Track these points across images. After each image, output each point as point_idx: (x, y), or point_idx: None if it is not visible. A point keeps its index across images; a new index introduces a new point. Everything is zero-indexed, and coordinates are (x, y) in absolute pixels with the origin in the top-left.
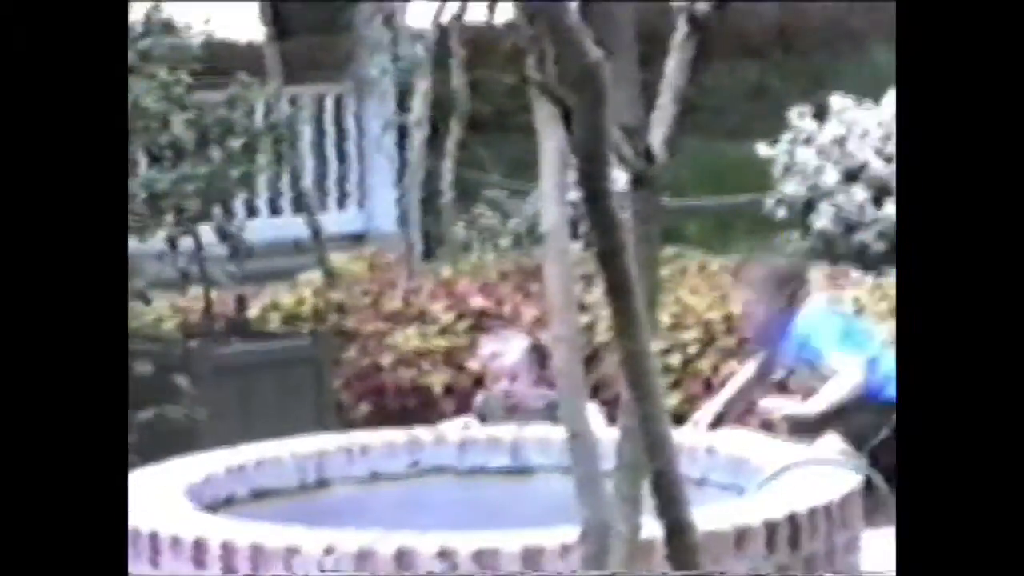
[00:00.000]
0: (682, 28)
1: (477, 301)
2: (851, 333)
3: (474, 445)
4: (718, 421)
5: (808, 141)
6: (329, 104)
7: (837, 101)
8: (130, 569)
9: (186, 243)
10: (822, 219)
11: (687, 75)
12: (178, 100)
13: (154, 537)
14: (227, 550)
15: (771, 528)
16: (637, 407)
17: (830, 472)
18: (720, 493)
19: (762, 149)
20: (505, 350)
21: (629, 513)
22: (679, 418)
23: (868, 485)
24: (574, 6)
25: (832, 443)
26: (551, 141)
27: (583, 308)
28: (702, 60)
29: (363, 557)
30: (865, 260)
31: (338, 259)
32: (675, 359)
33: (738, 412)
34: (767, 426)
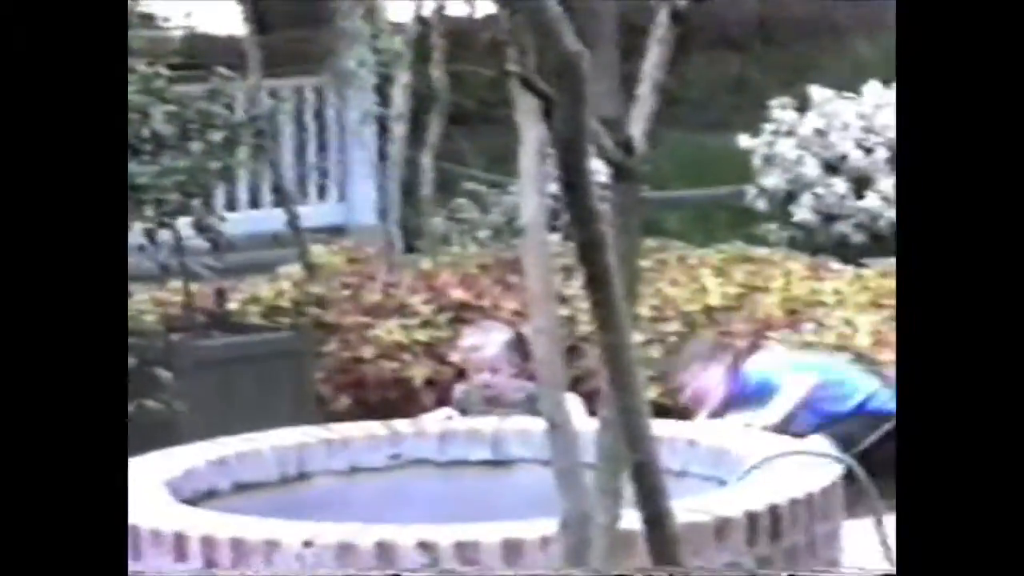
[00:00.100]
0: (662, 21)
1: (457, 294)
2: (805, 364)
3: (454, 437)
4: None
5: (789, 133)
6: (309, 97)
7: (818, 93)
8: None
9: (165, 236)
10: (802, 210)
11: (667, 68)
12: (158, 93)
13: (135, 530)
14: (208, 543)
15: (752, 519)
16: (617, 399)
17: (811, 463)
18: (701, 484)
19: (743, 141)
20: (485, 342)
21: (609, 505)
22: (660, 410)
23: (849, 476)
24: None
25: (818, 444)
26: (531, 133)
27: (563, 300)
28: (682, 53)
29: (343, 550)
30: (845, 251)
31: (318, 252)
32: (656, 351)
33: None
34: None
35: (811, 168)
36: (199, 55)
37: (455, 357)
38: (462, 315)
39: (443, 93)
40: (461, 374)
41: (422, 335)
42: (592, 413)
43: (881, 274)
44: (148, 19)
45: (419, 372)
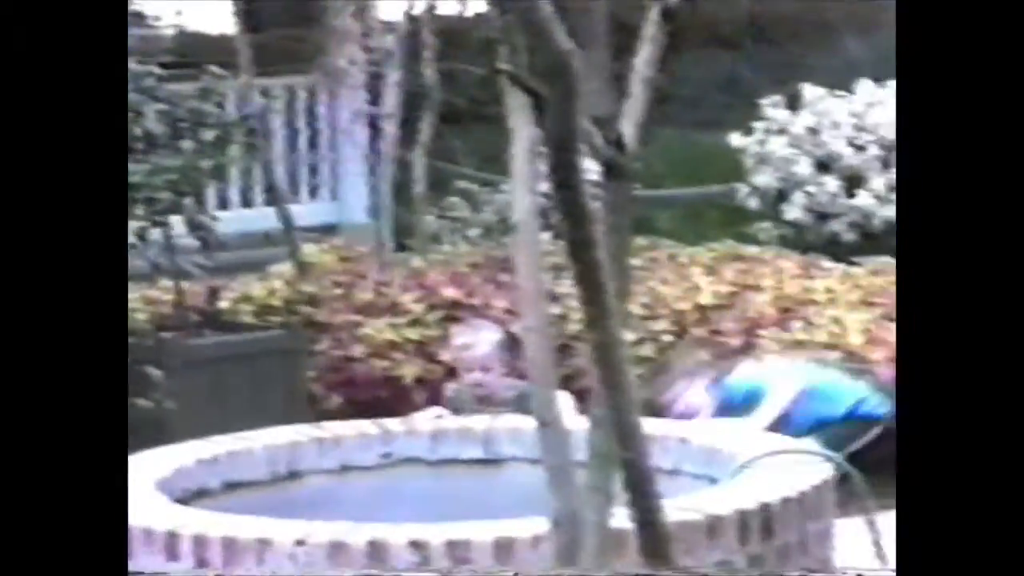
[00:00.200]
0: (653, 20)
1: (448, 292)
2: (792, 371)
3: (446, 436)
4: None
5: (780, 131)
6: (301, 96)
7: (810, 91)
8: None
9: (156, 235)
10: (794, 209)
11: (658, 66)
12: (149, 92)
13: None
14: (199, 542)
15: (744, 518)
16: (608, 397)
17: (802, 462)
18: (693, 483)
19: (735, 139)
20: (476, 341)
21: (600, 503)
22: (651, 408)
23: (841, 477)
24: None
25: (809, 443)
26: (523, 132)
27: (555, 299)
28: (674, 51)
29: (335, 548)
30: (837, 250)
31: (309, 251)
32: (648, 349)
33: None
34: None
35: (803, 166)
36: (190, 54)
37: (446, 356)
38: (453, 314)
39: (435, 92)
40: (452, 373)
41: (413, 334)
42: (583, 411)
43: (872, 272)
44: (139, 17)
45: (410, 371)
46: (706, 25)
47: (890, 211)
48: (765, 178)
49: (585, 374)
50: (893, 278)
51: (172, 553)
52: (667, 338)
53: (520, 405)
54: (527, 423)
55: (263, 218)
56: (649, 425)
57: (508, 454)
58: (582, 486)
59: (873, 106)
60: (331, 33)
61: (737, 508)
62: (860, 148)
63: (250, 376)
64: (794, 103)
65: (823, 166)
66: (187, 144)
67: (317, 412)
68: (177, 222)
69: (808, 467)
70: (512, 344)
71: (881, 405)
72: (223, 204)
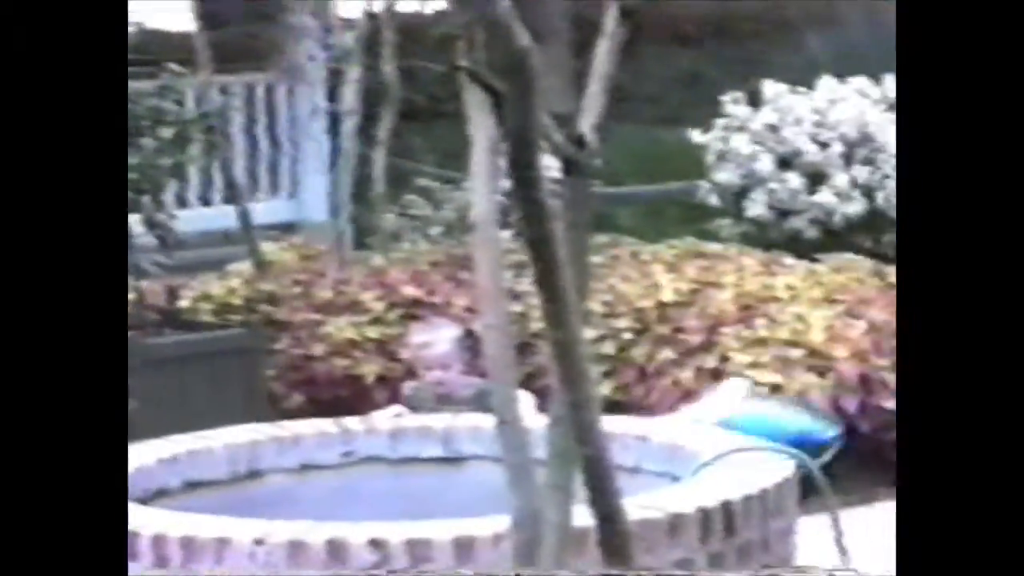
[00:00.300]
0: (612, 16)
1: (409, 290)
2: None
3: (406, 435)
4: None
5: (741, 128)
6: (260, 93)
7: (771, 88)
8: None
9: None
10: (755, 206)
11: (618, 63)
12: None
13: None
14: (158, 541)
15: (705, 516)
16: (567, 395)
17: (765, 459)
18: (654, 481)
19: (695, 136)
20: (434, 339)
21: (560, 501)
22: (614, 406)
23: (802, 474)
24: None
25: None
26: (482, 129)
27: (516, 297)
28: (634, 48)
29: (295, 548)
30: (799, 246)
31: (269, 249)
32: (609, 347)
33: None
34: None
35: (764, 163)
36: (149, 51)
37: (405, 354)
38: (414, 312)
39: (394, 89)
40: (413, 371)
41: (374, 332)
42: (544, 409)
43: (834, 269)
44: None
45: (371, 369)
46: (668, 22)
47: (851, 207)
48: (726, 175)
49: (546, 372)
50: (855, 275)
51: (132, 552)
52: (628, 335)
53: (479, 403)
54: (487, 421)
55: (222, 216)
56: (610, 423)
57: (469, 452)
58: (542, 484)
59: (835, 103)
60: (290, 30)
61: (699, 506)
62: (822, 145)
63: (210, 375)
64: (755, 100)
65: (784, 163)
66: (146, 142)
67: (277, 411)
68: (136, 221)
69: (770, 465)
70: (471, 342)
71: (825, 431)
72: (182, 202)
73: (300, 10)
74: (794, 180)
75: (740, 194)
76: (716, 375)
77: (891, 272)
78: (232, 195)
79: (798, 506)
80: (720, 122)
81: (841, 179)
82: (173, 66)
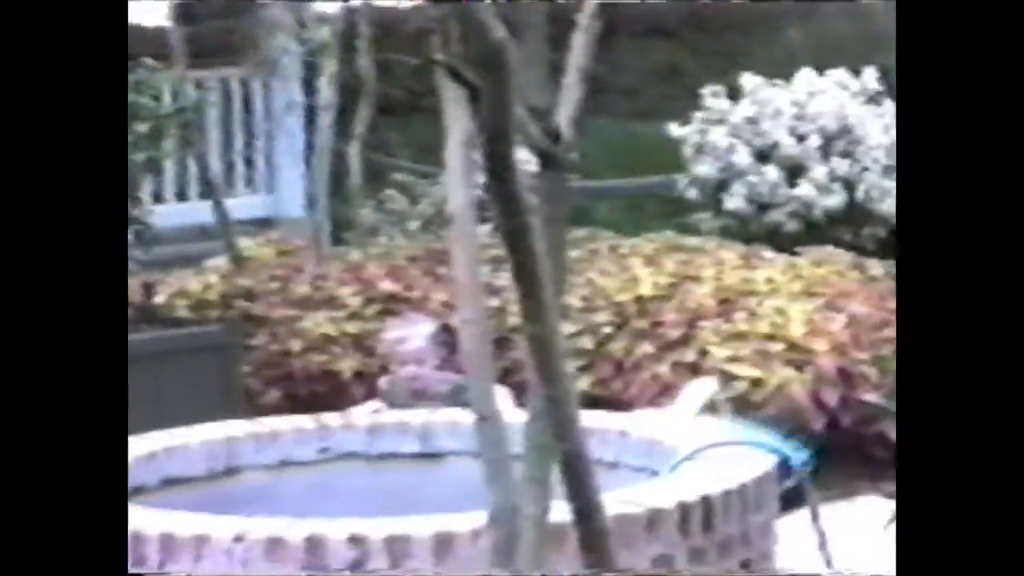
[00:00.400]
0: (588, 7)
1: (386, 285)
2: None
3: (384, 431)
4: None
5: (720, 121)
6: (235, 88)
7: (749, 81)
8: None
9: None
10: (735, 199)
11: (594, 55)
12: None
13: None
14: (136, 539)
15: (684, 510)
16: (544, 389)
17: (744, 454)
18: (633, 475)
19: (674, 129)
20: (410, 335)
21: (538, 496)
22: (593, 400)
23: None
24: None
25: (751, 438)
26: (458, 122)
27: (493, 291)
28: (610, 40)
29: (273, 544)
30: (778, 240)
31: (246, 245)
32: (587, 341)
33: None
34: None
35: (743, 156)
36: None
37: (380, 349)
38: (391, 307)
39: (370, 83)
40: (389, 367)
41: (351, 327)
42: (522, 404)
43: (814, 263)
44: None
45: (348, 365)
46: (646, 14)
47: (831, 200)
48: (705, 168)
49: (524, 367)
50: (835, 268)
51: None
52: (607, 330)
53: (455, 398)
54: (466, 417)
55: (198, 212)
56: (589, 418)
57: (447, 448)
58: (520, 480)
59: (814, 95)
60: (265, 24)
61: (678, 501)
62: (801, 137)
63: (187, 371)
64: (734, 93)
65: (763, 156)
66: None
67: (254, 407)
68: None
69: (750, 459)
70: (447, 337)
71: (795, 453)
72: (158, 198)
73: (276, 4)
74: (773, 173)
75: (719, 187)
76: (695, 369)
77: (871, 265)
78: (208, 190)
79: (778, 500)
80: (698, 115)
81: (820, 172)
82: (148, 61)
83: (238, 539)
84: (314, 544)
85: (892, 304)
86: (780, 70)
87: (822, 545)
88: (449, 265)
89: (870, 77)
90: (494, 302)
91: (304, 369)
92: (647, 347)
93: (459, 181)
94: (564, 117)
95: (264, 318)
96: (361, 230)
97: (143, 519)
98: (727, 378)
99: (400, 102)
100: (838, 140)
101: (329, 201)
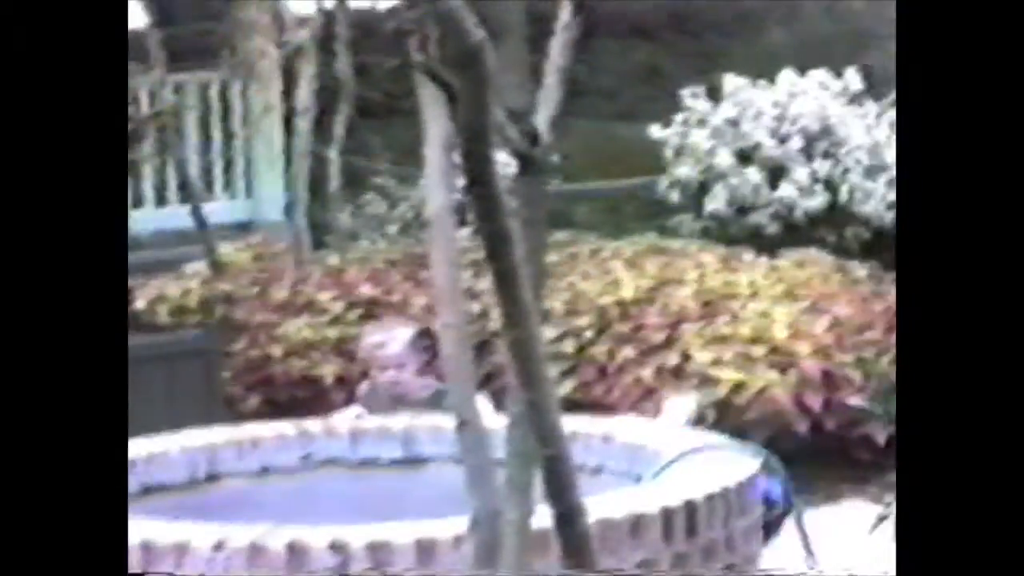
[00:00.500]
0: (566, 8)
1: (366, 290)
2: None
3: (365, 436)
4: None
5: (701, 122)
6: (214, 92)
7: (730, 82)
8: None
9: None
10: (716, 201)
11: (573, 56)
12: None
13: None
14: None
15: (668, 515)
16: (525, 394)
17: (727, 458)
18: (616, 480)
19: (654, 131)
20: (388, 339)
21: (520, 502)
22: (575, 405)
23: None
24: None
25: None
26: (437, 125)
27: (474, 295)
28: (589, 41)
29: (254, 551)
30: (760, 242)
31: (225, 249)
32: (569, 345)
33: None
34: None
35: (724, 158)
36: None
37: (359, 354)
38: (372, 311)
39: (349, 85)
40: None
41: (331, 332)
42: (503, 409)
43: (796, 265)
44: None
45: (329, 370)
46: (626, 15)
47: (813, 201)
48: (686, 170)
49: (505, 371)
50: (817, 270)
51: None
52: (588, 334)
53: (434, 403)
54: (447, 422)
55: (177, 216)
56: (572, 422)
57: (429, 454)
58: (502, 485)
59: (795, 96)
60: (242, 27)
61: (662, 506)
62: (782, 139)
63: (166, 377)
64: (715, 94)
65: (745, 157)
66: None
67: (235, 413)
68: None
69: (733, 464)
70: (427, 342)
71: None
72: (137, 202)
73: (253, 7)
74: (754, 175)
75: (700, 190)
76: (677, 373)
77: (854, 267)
78: (187, 195)
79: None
80: (679, 117)
81: (802, 173)
82: None
83: (219, 546)
84: (296, 551)
85: (875, 306)
86: (761, 71)
87: (807, 548)
88: (429, 269)
89: (852, 78)
90: (475, 306)
91: (285, 374)
92: (629, 351)
93: (438, 184)
94: (543, 119)
95: (244, 323)
96: (341, 234)
97: None
98: (711, 383)
99: (379, 104)
100: (820, 141)
101: (308, 205)
